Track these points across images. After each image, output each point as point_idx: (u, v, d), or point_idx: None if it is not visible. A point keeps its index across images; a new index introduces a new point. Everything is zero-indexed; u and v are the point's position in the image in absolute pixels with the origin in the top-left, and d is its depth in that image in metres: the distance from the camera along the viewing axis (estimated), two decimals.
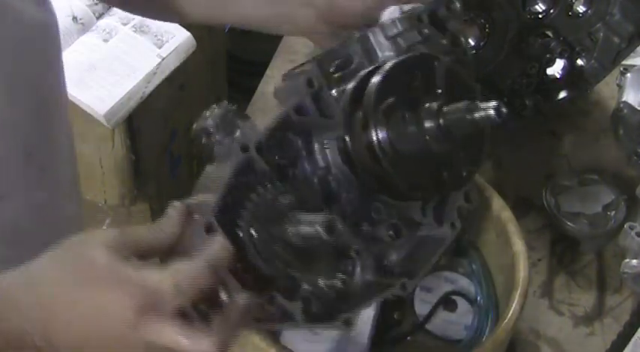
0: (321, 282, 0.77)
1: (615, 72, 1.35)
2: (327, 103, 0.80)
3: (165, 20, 1.03)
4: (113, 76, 1.64)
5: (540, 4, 1.20)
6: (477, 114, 0.74)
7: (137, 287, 0.61)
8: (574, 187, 1.27)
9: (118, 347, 0.63)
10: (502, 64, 1.20)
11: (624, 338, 0.94)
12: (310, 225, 0.69)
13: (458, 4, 0.88)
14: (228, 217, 0.70)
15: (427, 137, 0.78)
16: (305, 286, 0.77)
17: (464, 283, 1.07)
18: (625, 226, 1.09)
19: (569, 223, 1.21)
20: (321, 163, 0.81)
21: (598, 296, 1.20)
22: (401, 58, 0.83)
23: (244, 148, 0.73)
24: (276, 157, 0.79)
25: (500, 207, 1.00)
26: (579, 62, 1.27)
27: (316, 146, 0.81)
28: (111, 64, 1.66)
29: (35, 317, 0.63)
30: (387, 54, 0.85)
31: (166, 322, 0.62)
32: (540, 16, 1.20)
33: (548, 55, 1.21)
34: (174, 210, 0.69)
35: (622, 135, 1.33)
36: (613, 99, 1.40)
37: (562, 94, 1.28)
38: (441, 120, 0.77)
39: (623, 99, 1.34)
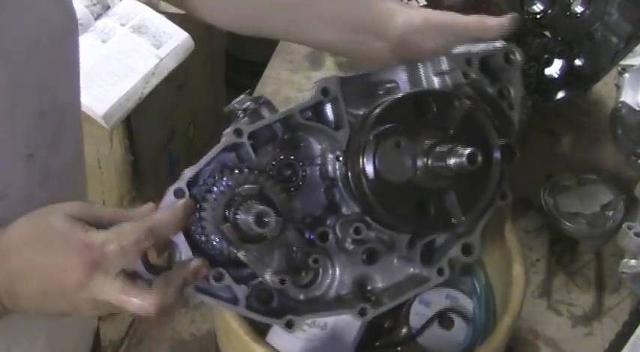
0: (268, 276, 0.78)
1: (613, 72, 1.35)
2: (339, 115, 0.81)
3: (237, 31, 1.03)
4: (111, 77, 1.64)
5: (538, 4, 1.20)
6: (452, 160, 0.75)
7: (85, 247, 0.66)
8: (573, 187, 1.27)
9: (71, 302, 0.69)
10: None
11: (623, 337, 0.94)
12: (248, 215, 0.72)
13: (519, 57, 0.86)
14: (200, 189, 0.75)
15: (417, 172, 0.78)
16: (262, 279, 0.78)
17: (465, 302, 1.04)
18: (623, 226, 1.10)
19: (567, 223, 1.21)
20: (332, 174, 0.82)
21: (596, 296, 1.20)
22: (416, 90, 0.83)
23: (237, 133, 0.76)
24: (291, 156, 0.81)
25: (507, 230, 0.96)
26: (577, 62, 1.27)
27: (330, 156, 0.81)
28: (109, 65, 1.66)
29: (3, 274, 0.70)
30: (432, 87, 0.84)
31: (109, 280, 0.67)
32: (538, 16, 1.20)
33: (546, 55, 1.21)
34: (147, 206, 0.74)
35: (620, 135, 1.33)
36: (611, 99, 1.40)
37: (560, 94, 1.28)
38: (430, 160, 0.77)
39: (622, 99, 1.34)
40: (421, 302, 1.02)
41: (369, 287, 0.84)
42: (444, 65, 0.84)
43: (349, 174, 0.80)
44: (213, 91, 2.18)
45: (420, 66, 0.85)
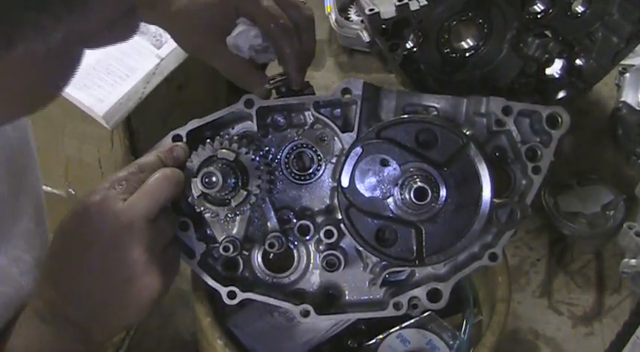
0: (220, 240, 0.81)
1: (614, 72, 1.34)
2: (352, 119, 0.81)
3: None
4: (112, 77, 1.64)
5: (539, 4, 1.20)
6: (405, 192, 0.76)
7: (88, 194, 0.73)
8: (573, 187, 1.27)
9: (122, 243, 0.71)
10: (501, 63, 1.20)
11: (623, 338, 0.94)
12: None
13: (565, 120, 0.85)
14: (197, 139, 0.81)
15: (390, 197, 0.78)
16: (226, 244, 0.80)
17: None
18: (624, 226, 1.09)
19: (568, 223, 1.21)
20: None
21: (597, 296, 1.20)
22: (423, 117, 0.81)
23: (248, 103, 0.81)
24: (314, 149, 0.83)
25: (500, 294, 0.92)
26: (578, 62, 1.27)
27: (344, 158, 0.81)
28: (109, 65, 1.66)
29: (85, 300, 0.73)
30: (467, 129, 0.83)
31: (122, 194, 0.73)
32: (539, 15, 1.20)
33: (547, 55, 1.21)
34: None
35: (621, 135, 1.33)
36: (612, 99, 1.40)
37: (561, 94, 1.28)
38: (400, 188, 0.77)
39: (622, 99, 1.34)
40: (399, 337, 0.96)
41: (330, 293, 0.85)
42: (483, 107, 0.82)
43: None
44: (213, 91, 2.18)
45: (465, 101, 0.83)
